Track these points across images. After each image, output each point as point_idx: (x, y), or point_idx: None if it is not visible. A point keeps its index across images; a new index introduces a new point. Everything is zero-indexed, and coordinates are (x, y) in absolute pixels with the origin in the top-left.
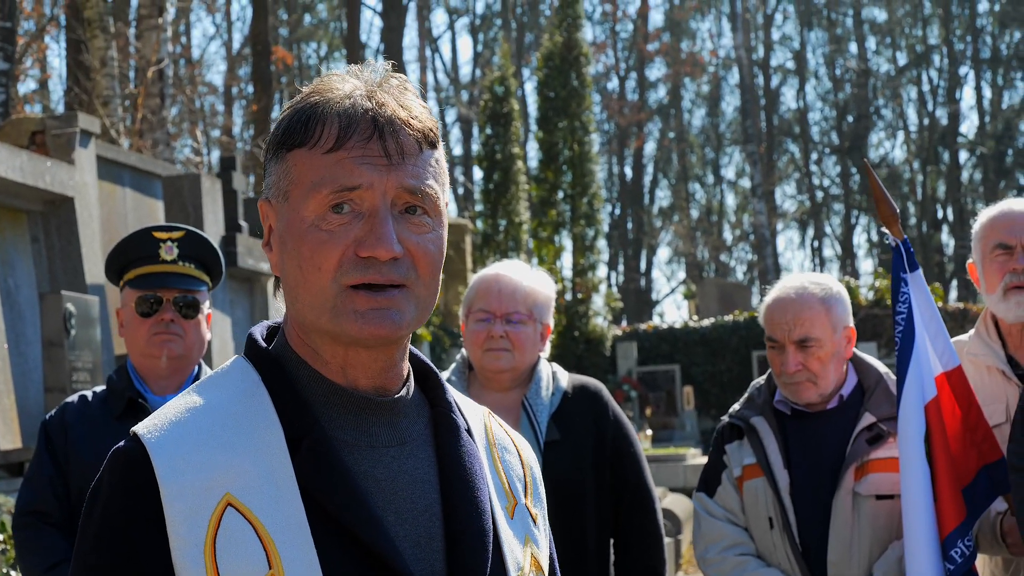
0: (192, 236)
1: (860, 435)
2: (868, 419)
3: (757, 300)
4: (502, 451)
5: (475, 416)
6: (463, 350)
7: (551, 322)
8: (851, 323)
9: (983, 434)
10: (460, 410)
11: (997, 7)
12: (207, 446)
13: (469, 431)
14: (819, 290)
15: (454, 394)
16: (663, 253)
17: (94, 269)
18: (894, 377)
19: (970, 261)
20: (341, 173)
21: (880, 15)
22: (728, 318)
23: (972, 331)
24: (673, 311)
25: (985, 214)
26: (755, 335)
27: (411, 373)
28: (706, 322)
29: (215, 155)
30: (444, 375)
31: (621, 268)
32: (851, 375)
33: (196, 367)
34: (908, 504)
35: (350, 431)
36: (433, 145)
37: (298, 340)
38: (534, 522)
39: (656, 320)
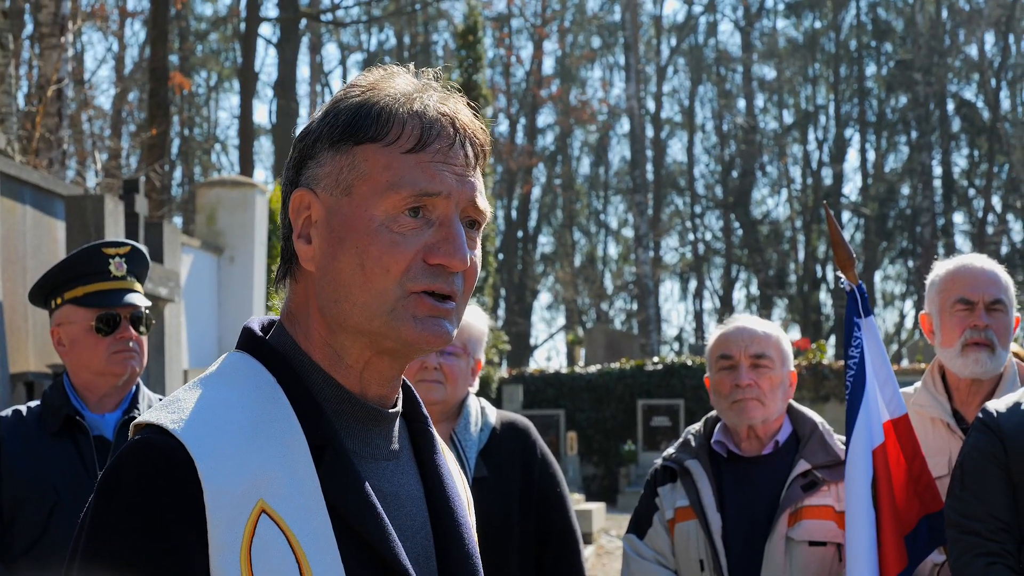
0: (136, 251)
1: (795, 481)
2: (803, 466)
3: (639, 350)
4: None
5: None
6: None
7: (483, 357)
8: (793, 368)
9: (926, 484)
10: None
11: (884, 71)
12: (243, 448)
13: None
14: (772, 326)
15: None
16: (544, 298)
17: None
18: (829, 427)
19: (923, 312)
20: (422, 177)
21: (769, 73)
22: (615, 366)
23: (919, 383)
24: (553, 356)
25: (943, 267)
26: (640, 383)
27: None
28: (592, 369)
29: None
30: None
31: (502, 312)
32: (786, 423)
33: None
34: (852, 548)
35: (356, 441)
36: (486, 158)
37: (318, 340)
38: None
39: (541, 364)
